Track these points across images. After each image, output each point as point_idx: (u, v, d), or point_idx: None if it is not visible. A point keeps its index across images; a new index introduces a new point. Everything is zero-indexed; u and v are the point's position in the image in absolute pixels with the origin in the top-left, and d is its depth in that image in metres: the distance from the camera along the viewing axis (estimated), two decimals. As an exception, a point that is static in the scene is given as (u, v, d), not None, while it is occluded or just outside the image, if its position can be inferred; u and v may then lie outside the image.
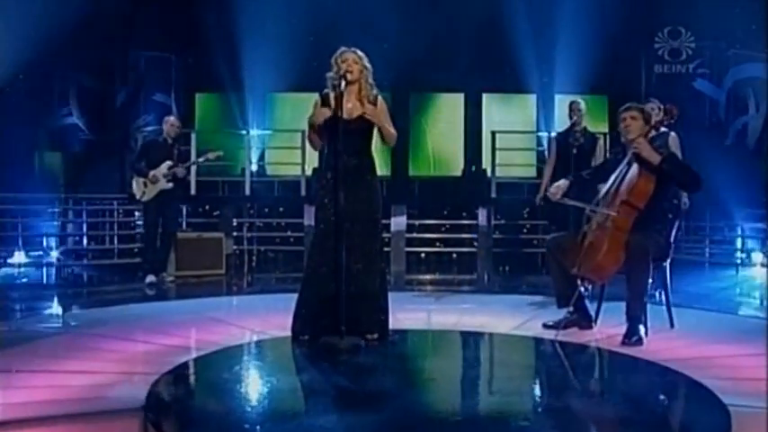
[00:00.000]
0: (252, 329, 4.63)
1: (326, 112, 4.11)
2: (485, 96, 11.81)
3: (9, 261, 8.39)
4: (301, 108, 4.42)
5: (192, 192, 9.05)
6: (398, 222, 8.76)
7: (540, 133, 10.97)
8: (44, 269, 8.23)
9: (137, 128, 10.85)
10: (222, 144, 9.43)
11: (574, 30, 10.49)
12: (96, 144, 10.96)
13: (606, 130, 9.11)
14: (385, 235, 6.75)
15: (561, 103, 11.14)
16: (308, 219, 8.27)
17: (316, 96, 4.29)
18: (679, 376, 3.46)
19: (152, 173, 6.98)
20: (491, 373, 3.99)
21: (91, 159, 10.67)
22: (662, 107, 5.04)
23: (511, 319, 5.07)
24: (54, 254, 8.39)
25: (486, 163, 10.74)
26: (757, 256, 8.64)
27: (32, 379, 3.41)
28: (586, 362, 4.04)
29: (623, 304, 4.31)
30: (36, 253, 8.76)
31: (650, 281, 4.43)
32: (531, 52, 10.98)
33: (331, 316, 3.97)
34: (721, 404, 2.93)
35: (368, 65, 4.22)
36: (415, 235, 9.23)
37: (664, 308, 4.63)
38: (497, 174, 9.40)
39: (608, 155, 5.83)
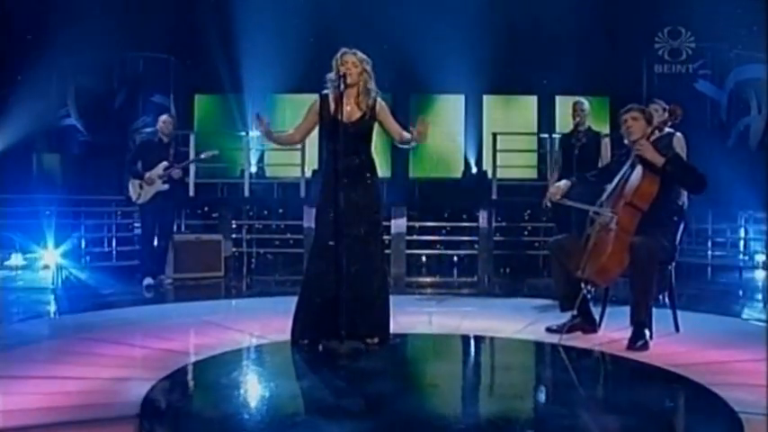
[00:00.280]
0: (251, 333, 4.57)
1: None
2: (485, 98, 11.77)
3: (6, 263, 8.32)
4: (301, 109, 4.35)
5: (191, 193, 8.98)
6: (398, 224, 8.69)
7: (541, 135, 10.91)
8: (41, 272, 8.15)
9: (135, 129, 10.78)
10: (221, 146, 9.38)
11: (574, 31, 10.46)
12: (95, 146, 10.90)
13: (608, 131, 9.05)
14: (385, 237, 6.69)
15: (562, 104, 11.13)
16: (308, 221, 8.20)
17: (315, 98, 4.23)
18: (686, 382, 3.40)
19: (148, 174, 6.90)
20: (494, 378, 3.93)
21: (89, 161, 10.60)
22: (666, 108, 4.98)
23: (513, 322, 5.00)
24: (51, 256, 8.30)
25: (486, 164, 10.69)
26: (760, 259, 8.57)
27: (26, 385, 3.34)
28: (591, 367, 3.98)
29: (627, 308, 4.24)
30: (33, 255, 8.69)
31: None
32: (531, 53, 10.94)
33: (331, 320, 3.92)
34: (732, 412, 2.86)
35: (368, 68, 4.14)
36: (415, 237, 9.16)
37: (667, 311, 4.57)
38: (498, 175, 9.34)
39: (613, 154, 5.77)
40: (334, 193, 3.99)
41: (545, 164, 9.99)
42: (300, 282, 4.32)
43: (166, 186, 6.97)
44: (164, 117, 7.24)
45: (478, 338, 4.64)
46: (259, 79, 10.91)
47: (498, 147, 9.38)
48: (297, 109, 4.47)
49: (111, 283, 7.35)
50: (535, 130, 11.40)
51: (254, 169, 10.49)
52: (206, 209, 9.94)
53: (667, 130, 5.20)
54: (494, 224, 9.00)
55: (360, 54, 4.13)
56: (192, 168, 8.81)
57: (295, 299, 4.22)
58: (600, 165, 5.79)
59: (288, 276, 8.26)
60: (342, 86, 3.99)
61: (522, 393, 3.42)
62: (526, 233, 9.71)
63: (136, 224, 8.79)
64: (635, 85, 10.81)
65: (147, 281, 6.94)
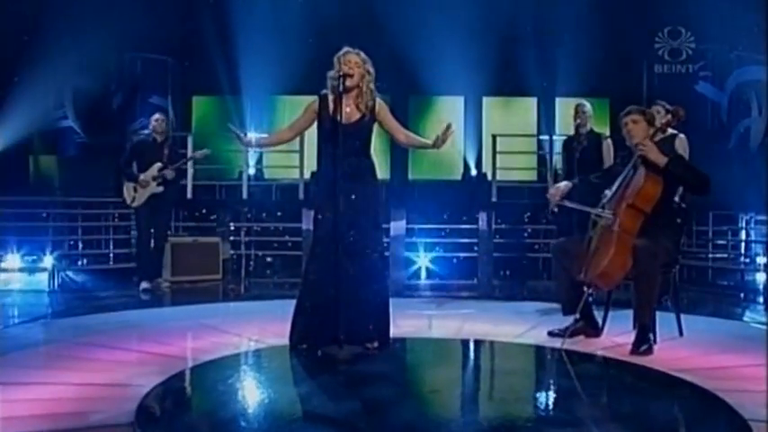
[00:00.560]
0: (248, 338, 4.51)
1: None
2: (485, 99, 11.72)
3: (2, 266, 8.25)
4: (300, 111, 4.30)
5: (189, 195, 8.92)
6: (398, 227, 8.63)
7: (541, 137, 10.86)
8: (38, 274, 8.08)
9: (133, 131, 10.69)
10: (219, 147, 9.32)
11: (574, 32, 10.41)
12: (92, 147, 10.83)
13: (608, 133, 9.01)
14: (384, 239, 6.63)
15: (562, 106, 11.09)
16: (307, 223, 8.14)
17: (314, 99, 4.17)
18: (693, 388, 3.34)
19: (141, 177, 6.82)
20: (496, 383, 3.87)
21: (86, 163, 10.53)
22: (669, 109, 4.93)
23: (514, 326, 4.95)
24: (48, 259, 8.24)
25: (486, 166, 10.63)
26: (761, 261, 8.51)
27: (20, 392, 3.27)
28: (594, 372, 3.91)
29: (631, 311, 4.18)
30: (30, 258, 8.62)
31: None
32: (531, 55, 10.90)
33: (330, 324, 3.86)
34: (741, 419, 2.80)
35: (370, 69, 4.10)
36: (414, 239, 9.10)
37: (670, 315, 4.51)
38: (498, 177, 9.28)
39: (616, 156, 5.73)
40: (333, 196, 3.93)
41: (545, 166, 9.94)
42: (299, 285, 4.26)
43: (161, 189, 6.90)
44: (156, 116, 7.14)
45: (479, 343, 4.58)
46: (257, 81, 10.85)
47: (498, 149, 9.33)
48: (295, 111, 4.42)
49: (108, 286, 7.30)
50: (535, 132, 11.35)
51: (252, 171, 10.42)
52: (204, 211, 9.87)
53: (670, 131, 5.18)
54: (493, 226, 8.94)
55: (363, 54, 4.08)
56: (190, 170, 8.75)
57: (293, 302, 4.16)
58: (603, 167, 5.73)
59: (286, 279, 8.20)
60: (342, 87, 3.93)
61: (525, 399, 3.36)
62: (526, 235, 9.65)
63: (133, 226, 8.72)
64: (635, 87, 10.76)
65: (144, 285, 6.87)
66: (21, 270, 8.21)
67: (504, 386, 3.73)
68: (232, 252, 9.02)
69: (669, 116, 4.55)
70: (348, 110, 4.05)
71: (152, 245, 7.04)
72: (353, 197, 4.03)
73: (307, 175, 8.97)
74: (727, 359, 3.96)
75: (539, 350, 4.31)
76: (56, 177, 10.75)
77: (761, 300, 6.99)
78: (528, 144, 10.63)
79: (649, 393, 3.41)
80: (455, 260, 9.47)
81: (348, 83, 3.99)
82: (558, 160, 6.63)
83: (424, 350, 4.53)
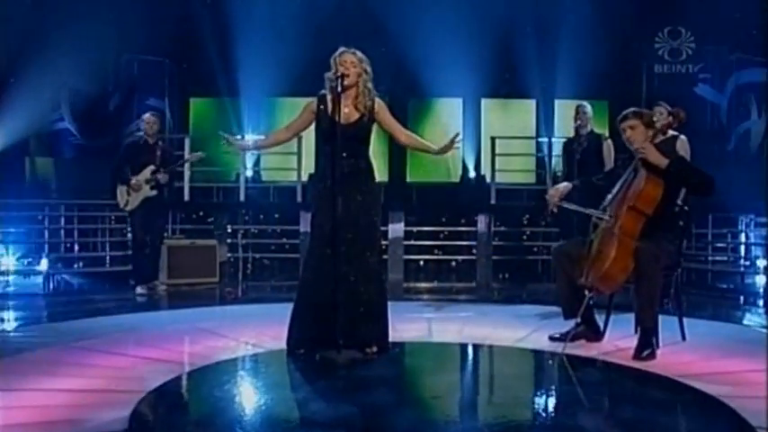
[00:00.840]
0: (246, 342, 4.45)
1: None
2: (484, 101, 11.68)
3: (-1, 269, 8.18)
4: (298, 113, 4.24)
5: (186, 197, 8.87)
6: (396, 229, 8.58)
7: (539, 139, 10.82)
8: (33, 277, 8.02)
9: (130, 133, 10.63)
10: (217, 149, 9.25)
11: (573, 34, 10.38)
12: (88, 149, 10.78)
13: (607, 135, 8.98)
14: (383, 242, 6.58)
15: (561, 108, 11.06)
16: (304, 225, 8.08)
17: (312, 100, 4.12)
18: (698, 394, 3.28)
19: (134, 180, 6.74)
20: (497, 389, 3.81)
21: (83, 165, 10.46)
22: (670, 111, 4.88)
23: (515, 330, 4.90)
24: (44, 261, 8.18)
25: (485, 169, 10.59)
26: (761, 264, 8.47)
27: (13, 398, 3.21)
28: (596, 377, 3.85)
29: (632, 315, 4.13)
30: (26, 260, 8.56)
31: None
32: (530, 57, 10.86)
33: (328, 328, 3.80)
34: (749, 426, 2.75)
35: (368, 68, 4.04)
36: (413, 242, 9.06)
37: (671, 318, 4.45)
38: (497, 179, 9.24)
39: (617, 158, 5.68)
40: (331, 198, 3.88)
41: (544, 168, 9.90)
42: (296, 288, 4.21)
43: (154, 192, 6.82)
44: (146, 116, 7.02)
45: (480, 347, 4.52)
46: (255, 82, 10.81)
47: (497, 151, 9.29)
48: (293, 112, 4.36)
49: (104, 289, 7.24)
50: (534, 134, 11.31)
51: (249, 173, 10.36)
52: (201, 213, 9.83)
53: (671, 132, 5.13)
54: (492, 229, 8.90)
55: (359, 54, 4.02)
56: (187, 172, 8.69)
57: (291, 305, 4.10)
58: (604, 168, 5.68)
59: (284, 282, 8.15)
60: (340, 87, 3.88)
61: (526, 405, 3.30)
62: (525, 238, 9.62)
63: (129, 229, 8.66)
64: (634, 89, 10.73)
65: (140, 289, 6.81)
66: (16, 273, 8.13)
67: (505, 392, 3.67)
68: (229, 255, 8.97)
69: (670, 118, 4.51)
70: (347, 110, 4.00)
71: (148, 248, 6.95)
72: (351, 199, 3.97)
73: (304, 177, 8.92)
74: (732, 364, 3.90)
75: (540, 355, 4.25)
76: (52, 179, 10.69)
77: (761, 303, 6.95)
78: (527, 146, 10.59)
79: (653, 399, 3.35)
80: (454, 263, 9.44)
81: (346, 81, 3.93)
82: (557, 162, 6.58)
83: (423, 355, 4.48)
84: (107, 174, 7.11)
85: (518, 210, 9.59)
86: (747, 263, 8.75)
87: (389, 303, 4.15)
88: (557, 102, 11.30)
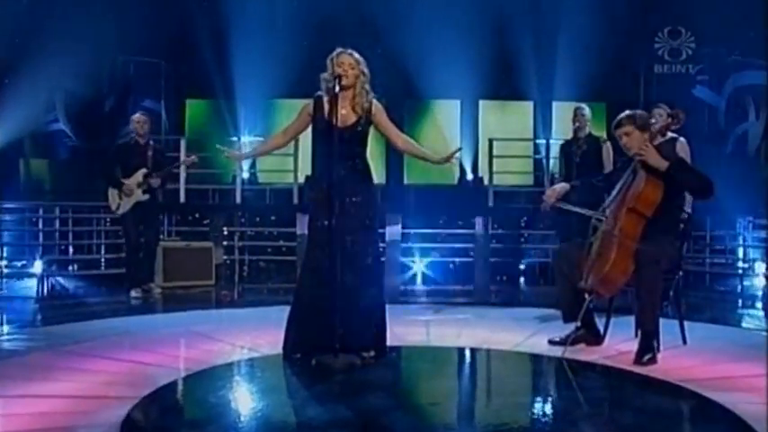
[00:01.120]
0: (241, 346, 4.40)
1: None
2: (481, 103, 11.64)
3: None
4: (295, 115, 4.19)
5: (182, 199, 8.80)
6: (393, 231, 8.53)
7: (537, 141, 10.79)
8: (26, 280, 7.95)
9: (125, 134, 10.57)
10: (213, 151, 9.18)
11: (571, 36, 10.35)
12: (83, 151, 10.70)
13: (606, 138, 8.95)
14: (380, 245, 6.52)
15: (559, 110, 11.02)
16: (301, 228, 8.01)
17: (308, 102, 4.07)
18: (700, 399, 3.24)
19: (126, 183, 6.65)
20: (496, 394, 3.76)
21: (78, 167, 10.39)
22: (669, 113, 4.85)
23: (513, 333, 4.85)
24: (38, 264, 8.12)
25: (482, 171, 10.54)
26: (760, 267, 8.45)
27: (5, 405, 3.15)
28: (597, 382, 3.80)
29: (633, 318, 4.09)
30: (19, 263, 8.49)
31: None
32: (528, 59, 10.83)
33: (325, 332, 3.74)
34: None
35: (365, 69, 4.00)
36: (410, 245, 9.01)
37: (671, 322, 4.41)
38: (494, 182, 9.20)
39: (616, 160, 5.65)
40: (328, 201, 3.83)
41: (542, 170, 9.87)
42: (293, 291, 4.16)
43: (146, 197, 6.73)
44: (136, 116, 6.91)
45: (478, 351, 4.48)
46: (252, 84, 10.74)
47: (494, 153, 9.26)
48: (290, 114, 4.32)
49: (99, 292, 7.17)
50: (532, 135, 11.27)
51: (246, 175, 10.30)
52: (197, 215, 9.76)
53: (670, 134, 5.10)
54: (490, 231, 8.85)
55: (356, 55, 3.97)
56: (183, 174, 8.63)
57: (288, 309, 4.06)
58: (603, 171, 5.65)
59: (280, 285, 8.09)
60: (337, 89, 3.83)
61: (525, 410, 3.25)
62: (523, 240, 9.58)
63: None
64: (632, 91, 10.71)
65: (134, 293, 6.73)
66: (10, 276, 8.07)
67: (504, 397, 3.62)
68: (225, 257, 8.91)
69: (669, 119, 4.47)
70: (344, 112, 3.95)
71: (141, 251, 6.87)
72: (348, 201, 3.93)
73: (301, 179, 8.87)
74: (734, 368, 3.86)
75: (539, 359, 4.21)
76: (47, 181, 10.61)
77: (759, 305, 6.92)
78: (524, 148, 10.56)
79: (654, 404, 3.30)
80: (451, 265, 9.39)
81: (344, 82, 3.89)
82: (554, 164, 6.54)
83: (421, 359, 4.43)
84: (101, 175, 7.04)
85: (516, 212, 9.55)
86: (746, 265, 8.73)
87: (387, 307, 4.11)
88: (554, 104, 11.25)
